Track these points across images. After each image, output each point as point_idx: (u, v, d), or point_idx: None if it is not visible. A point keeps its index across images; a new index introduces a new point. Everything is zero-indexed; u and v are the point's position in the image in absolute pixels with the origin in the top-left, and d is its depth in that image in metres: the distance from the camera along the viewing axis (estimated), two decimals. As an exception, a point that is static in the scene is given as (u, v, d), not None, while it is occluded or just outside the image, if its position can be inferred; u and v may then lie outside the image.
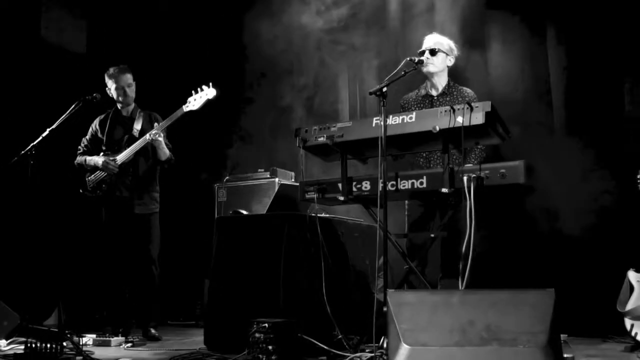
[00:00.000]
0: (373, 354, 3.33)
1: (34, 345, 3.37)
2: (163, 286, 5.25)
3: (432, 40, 4.47)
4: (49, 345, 3.40)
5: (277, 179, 5.42)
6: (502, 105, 3.77)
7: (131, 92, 5.14)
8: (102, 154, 5.07)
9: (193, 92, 4.88)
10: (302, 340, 3.68)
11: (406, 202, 4.46)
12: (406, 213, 4.52)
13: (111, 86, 5.13)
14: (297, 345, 3.65)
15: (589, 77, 4.70)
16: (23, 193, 5.64)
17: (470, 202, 3.39)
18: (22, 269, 5.80)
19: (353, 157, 4.02)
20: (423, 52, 4.42)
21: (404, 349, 2.54)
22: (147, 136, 4.83)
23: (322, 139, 3.83)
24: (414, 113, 3.64)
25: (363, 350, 3.64)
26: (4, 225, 5.87)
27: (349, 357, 3.54)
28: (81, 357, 3.52)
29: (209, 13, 6.81)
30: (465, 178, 3.45)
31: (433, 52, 4.41)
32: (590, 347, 4.07)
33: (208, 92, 4.83)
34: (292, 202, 4.32)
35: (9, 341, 4.38)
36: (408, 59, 4.00)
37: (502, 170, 3.44)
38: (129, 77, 5.12)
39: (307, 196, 3.99)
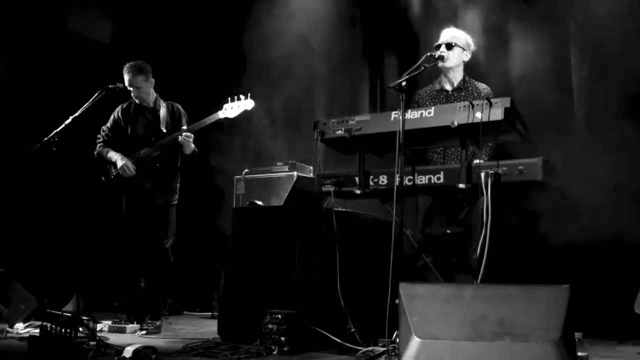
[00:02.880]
0: (385, 349, 3.33)
1: (49, 328, 3.41)
2: (180, 277, 5.28)
3: (449, 34, 4.38)
4: (63, 329, 3.43)
5: (295, 173, 5.43)
6: (521, 103, 3.74)
7: (140, 92, 5.11)
8: (123, 145, 5.11)
9: (229, 98, 4.90)
10: (315, 332, 3.69)
11: (419, 197, 4.42)
12: (418, 208, 4.49)
13: (126, 82, 5.11)
14: (310, 337, 3.67)
15: (612, 76, 4.63)
16: (45, 179, 5.76)
17: (487, 198, 3.37)
18: (43, 255, 5.90)
19: (370, 151, 4.00)
20: (439, 46, 4.32)
21: (415, 341, 2.52)
22: (179, 138, 4.86)
23: (340, 132, 3.83)
24: (433, 108, 3.62)
25: (376, 345, 3.64)
26: (26, 211, 5.95)
27: (361, 351, 3.54)
28: (95, 342, 3.54)
29: (232, 3, 6.84)
30: (482, 174, 3.42)
31: (449, 46, 4.30)
32: (606, 349, 4.02)
33: (247, 103, 4.87)
34: (309, 194, 4.33)
35: (26, 324, 4.46)
36: (428, 54, 4.00)
37: (520, 167, 3.40)
38: (137, 80, 5.06)
39: (323, 189, 3.98)
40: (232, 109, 4.89)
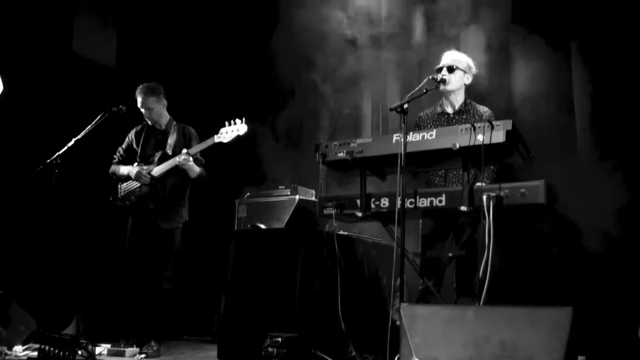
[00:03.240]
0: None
1: (47, 350, 3.38)
2: (180, 301, 5.25)
3: (450, 57, 4.38)
4: (62, 352, 3.41)
5: (297, 196, 5.41)
6: (523, 125, 3.74)
7: (151, 113, 5.18)
8: (135, 164, 5.17)
9: (227, 122, 4.91)
10: (316, 356, 3.65)
11: (420, 220, 4.40)
12: (420, 232, 4.47)
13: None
14: (310, 361, 3.63)
15: (614, 98, 4.64)
16: (48, 201, 5.75)
17: (489, 221, 3.35)
18: (44, 277, 5.86)
19: (372, 173, 4.00)
20: (441, 69, 4.31)
21: (416, 362, 2.51)
22: (177, 159, 4.90)
23: (341, 154, 3.83)
24: (435, 130, 3.63)
25: (377, 369, 3.61)
26: (28, 233, 5.94)
27: (362, 375, 3.51)
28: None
29: (236, 28, 6.90)
30: (484, 197, 3.41)
31: (451, 69, 4.29)
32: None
33: (240, 128, 4.86)
34: (311, 217, 4.31)
35: (25, 347, 4.43)
36: (430, 77, 4.01)
37: (522, 190, 3.40)
38: (148, 101, 5.14)
39: (325, 212, 3.97)
40: (226, 134, 4.88)
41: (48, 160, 4.75)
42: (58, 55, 6.41)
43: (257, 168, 6.48)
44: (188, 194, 5.30)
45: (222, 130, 4.92)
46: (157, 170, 5.05)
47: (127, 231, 5.18)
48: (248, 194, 5.91)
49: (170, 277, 5.04)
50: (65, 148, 4.75)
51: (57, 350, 3.43)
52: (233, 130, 4.87)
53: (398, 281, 3.50)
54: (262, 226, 4.65)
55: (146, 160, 5.19)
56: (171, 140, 5.18)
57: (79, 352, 3.76)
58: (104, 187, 6.22)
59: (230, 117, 5.03)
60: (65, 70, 6.39)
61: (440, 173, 4.39)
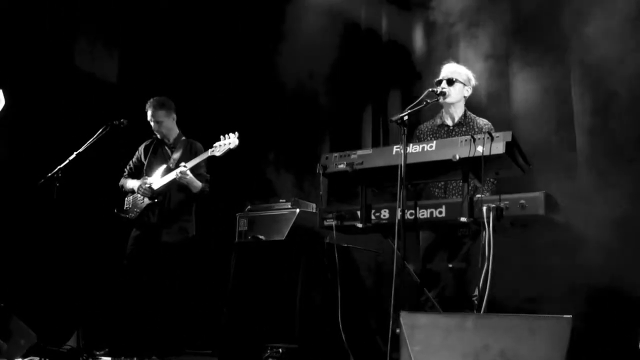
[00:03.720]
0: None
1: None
2: (183, 315, 5.26)
3: (449, 69, 4.39)
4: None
5: (297, 209, 5.42)
6: (523, 136, 3.76)
7: (160, 127, 5.27)
8: (142, 178, 5.24)
9: (221, 136, 4.94)
10: (316, 367, 3.65)
11: (420, 232, 4.41)
12: (420, 243, 4.47)
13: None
14: (311, 372, 3.63)
15: (614, 110, 4.66)
16: (49, 214, 5.77)
17: (489, 233, 3.36)
18: (45, 290, 5.86)
19: (372, 185, 4.00)
20: (440, 82, 4.32)
21: (416, 372, 2.50)
22: (175, 173, 4.93)
23: (342, 166, 3.84)
24: (435, 142, 3.65)
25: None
26: (29, 246, 5.94)
27: (362, 386, 3.50)
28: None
29: (238, 41, 6.94)
30: (484, 208, 3.42)
31: (450, 82, 4.31)
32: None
33: (232, 142, 4.89)
34: (311, 229, 4.32)
35: (26, 360, 4.42)
36: (430, 89, 4.03)
37: (522, 201, 3.41)
38: (158, 114, 5.24)
39: (325, 223, 3.97)
40: (220, 147, 4.91)
41: (49, 174, 4.77)
42: (60, 69, 6.44)
43: (259, 182, 6.49)
44: (194, 209, 5.32)
45: (216, 144, 4.95)
46: (157, 184, 5.10)
47: (128, 241, 5.20)
48: (249, 207, 5.93)
49: (172, 290, 5.05)
50: (67, 161, 4.77)
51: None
52: (225, 144, 4.90)
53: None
54: (263, 238, 4.66)
55: (150, 173, 5.26)
56: (176, 154, 5.23)
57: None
58: (107, 200, 6.26)
59: (232, 130, 5.07)
60: (67, 84, 6.42)
61: (440, 185, 4.40)
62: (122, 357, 4.70)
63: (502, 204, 3.42)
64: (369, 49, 6.22)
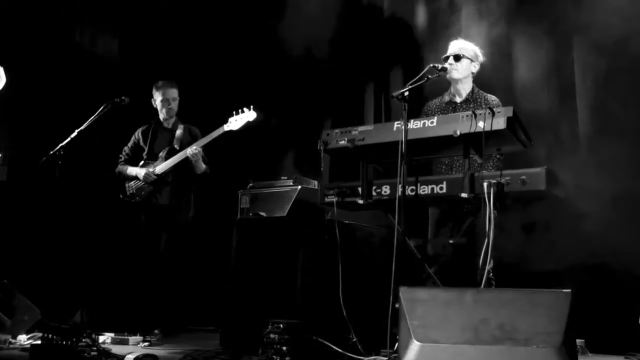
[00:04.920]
0: (388, 358, 3.30)
1: (50, 338, 3.41)
2: (188, 291, 5.32)
3: (456, 45, 4.39)
4: (64, 341, 3.43)
5: (299, 186, 5.42)
6: (526, 112, 3.74)
7: (175, 105, 5.37)
8: (142, 163, 5.32)
9: (234, 112, 5.04)
10: (317, 342, 3.66)
11: (429, 208, 4.41)
12: (429, 219, 4.47)
13: (157, 98, 5.38)
14: (312, 348, 3.64)
15: (615, 85, 4.62)
16: (51, 193, 5.78)
17: (489, 208, 3.36)
18: (49, 267, 5.89)
19: (373, 161, 3.99)
20: (447, 58, 4.34)
21: (415, 345, 2.51)
22: (188, 151, 5.02)
23: (343, 142, 3.85)
24: (436, 117, 3.64)
25: (378, 355, 3.61)
26: (33, 225, 5.95)
27: (363, 361, 3.52)
28: (96, 352, 3.53)
29: (239, 19, 6.89)
30: (485, 184, 3.42)
31: (457, 58, 4.32)
32: (609, 360, 3.97)
33: (249, 115, 5.03)
34: (312, 206, 4.32)
35: (29, 336, 4.44)
36: (431, 65, 3.99)
37: (523, 177, 3.42)
38: (174, 92, 5.36)
39: (326, 199, 4.00)
40: (235, 122, 5.04)
41: (51, 152, 4.77)
42: (60, 46, 6.42)
43: (261, 159, 6.48)
44: (193, 189, 5.40)
45: (231, 119, 5.05)
46: (163, 166, 5.18)
47: (139, 227, 5.33)
48: (251, 184, 5.92)
49: (180, 268, 5.22)
50: (69, 139, 4.76)
51: (59, 338, 3.44)
52: (242, 118, 5.01)
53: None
54: (264, 214, 4.66)
55: (153, 157, 5.32)
56: (178, 136, 5.33)
57: (83, 341, 3.78)
58: (110, 179, 6.26)
59: (229, 109, 5.14)
60: (68, 61, 6.40)
61: (446, 162, 4.39)
62: (125, 333, 4.72)
63: (502, 180, 3.42)
64: (370, 25, 6.16)
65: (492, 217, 3.33)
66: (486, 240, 3.35)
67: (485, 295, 2.61)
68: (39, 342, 3.70)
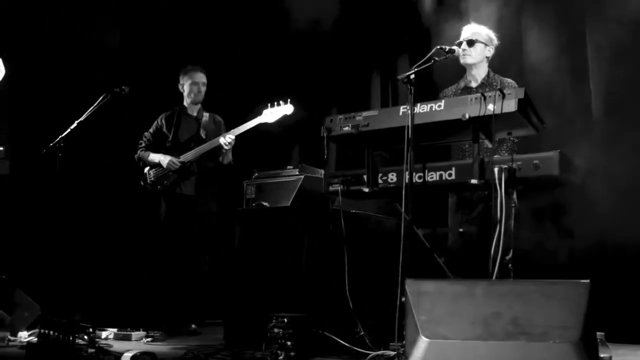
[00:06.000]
0: (395, 352, 3.17)
1: (47, 334, 3.31)
2: (198, 283, 5.22)
3: (470, 30, 4.27)
4: (62, 336, 3.32)
5: (303, 175, 5.30)
6: (537, 94, 3.58)
7: (203, 91, 5.28)
8: (164, 151, 5.20)
9: (269, 104, 4.93)
10: (323, 336, 3.54)
11: (449, 196, 4.27)
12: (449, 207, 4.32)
13: (185, 82, 5.28)
14: (317, 342, 3.52)
15: (629, 66, 4.44)
16: (52, 185, 5.69)
17: (501, 195, 3.21)
18: (52, 262, 5.80)
19: (379, 148, 3.85)
20: (461, 43, 4.22)
21: (423, 341, 2.36)
22: (223, 140, 4.91)
23: (347, 128, 3.70)
24: (443, 101, 3.49)
25: (387, 349, 3.48)
26: (36, 218, 5.87)
27: (370, 355, 3.38)
28: (94, 349, 3.42)
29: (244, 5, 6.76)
30: (496, 169, 3.27)
31: (471, 43, 4.21)
32: (630, 353, 3.81)
33: (286, 109, 4.88)
34: (317, 195, 4.19)
35: (30, 332, 4.35)
36: (439, 47, 3.83)
37: (536, 161, 3.26)
38: (203, 76, 5.28)
39: (331, 188, 3.86)
40: (271, 114, 4.90)
41: (51, 144, 4.66)
42: (60, 36, 6.31)
43: (268, 149, 6.35)
44: (219, 180, 5.32)
45: (266, 111, 4.93)
46: (190, 155, 5.08)
47: (160, 216, 5.22)
48: (256, 174, 5.80)
49: (207, 260, 5.14)
50: (68, 131, 4.65)
51: (56, 334, 3.33)
52: (279, 111, 4.89)
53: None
54: (267, 204, 4.54)
55: (177, 144, 5.21)
56: (204, 125, 5.24)
57: (83, 337, 3.68)
58: (111, 170, 6.17)
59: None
60: (68, 51, 6.29)
61: (466, 147, 4.22)
62: (128, 329, 4.62)
63: (514, 165, 3.27)
64: (377, 10, 5.99)
65: (503, 204, 3.17)
66: (497, 229, 3.20)
67: (497, 287, 2.45)
68: (36, 339, 3.60)
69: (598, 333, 3.14)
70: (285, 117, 4.90)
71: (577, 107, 4.71)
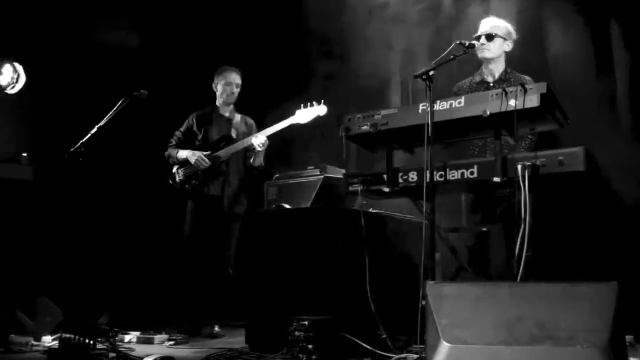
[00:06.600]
0: (418, 356, 3.11)
1: (67, 338, 3.31)
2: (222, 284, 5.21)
3: (488, 24, 4.19)
4: (83, 340, 3.32)
5: (322, 175, 5.25)
6: (561, 89, 3.48)
7: (237, 92, 5.26)
8: (193, 149, 5.17)
9: (302, 105, 4.89)
10: (344, 339, 3.48)
11: (462, 194, 4.18)
12: (463, 206, 4.24)
13: (219, 82, 5.27)
14: (339, 345, 3.46)
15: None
16: (74, 190, 5.73)
17: (524, 193, 3.12)
18: (76, 266, 5.83)
19: (399, 146, 3.78)
20: (479, 37, 4.15)
21: (444, 346, 2.29)
22: (255, 141, 4.87)
23: (365, 127, 3.64)
24: (463, 97, 3.41)
25: (410, 352, 3.41)
26: (59, 223, 5.90)
27: (393, 358, 3.32)
28: (115, 353, 3.41)
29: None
30: (519, 166, 3.19)
31: (489, 37, 4.14)
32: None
33: (319, 109, 4.84)
34: (337, 195, 4.14)
35: (53, 337, 4.36)
36: (458, 42, 3.75)
37: (560, 158, 3.16)
38: (238, 77, 5.26)
39: (351, 188, 3.80)
40: (304, 115, 4.86)
41: (72, 149, 4.67)
42: (79, 43, 6.32)
43: (285, 148, 6.30)
44: (248, 182, 5.31)
45: (299, 111, 4.90)
46: (221, 154, 5.06)
47: (186, 214, 5.19)
48: (277, 175, 5.76)
49: (231, 262, 5.08)
50: (89, 135, 4.66)
51: (78, 339, 3.33)
52: (312, 112, 4.85)
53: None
54: (287, 206, 4.49)
55: (207, 143, 5.19)
56: (235, 125, 5.23)
57: (104, 342, 3.68)
58: (134, 174, 6.17)
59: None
60: (87, 56, 6.30)
61: (479, 144, 4.17)
62: (151, 332, 4.61)
63: (538, 162, 3.18)
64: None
65: (527, 202, 3.09)
66: (522, 227, 3.11)
67: (520, 290, 2.37)
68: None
69: (627, 336, 3.05)
70: (318, 118, 4.87)
71: (600, 100, 4.58)
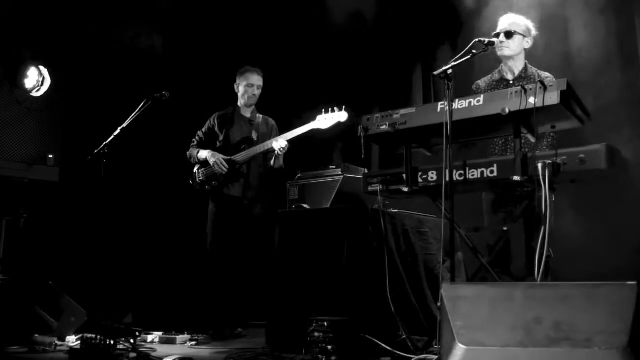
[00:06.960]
0: (437, 357, 3.08)
1: (89, 338, 3.34)
2: (243, 285, 5.22)
3: (507, 21, 4.13)
4: (104, 341, 3.35)
5: (342, 176, 5.23)
6: (582, 86, 3.42)
7: (258, 93, 5.25)
8: (213, 150, 5.18)
9: (323, 110, 4.86)
10: (364, 340, 3.47)
11: (483, 193, 4.14)
12: (483, 205, 4.20)
13: (241, 83, 5.26)
14: (359, 345, 3.45)
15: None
16: (98, 191, 5.76)
17: (545, 191, 3.08)
18: (101, 267, 5.89)
19: (418, 146, 3.75)
20: (498, 35, 4.09)
21: (459, 349, 2.26)
22: (276, 144, 4.87)
23: (384, 127, 3.62)
24: (482, 96, 3.37)
25: (431, 353, 3.39)
26: (85, 224, 5.96)
27: (413, 359, 3.29)
28: (136, 354, 3.44)
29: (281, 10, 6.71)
30: (539, 165, 3.14)
31: (509, 35, 4.07)
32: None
33: (340, 115, 4.80)
34: (357, 196, 4.12)
35: (77, 337, 4.41)
36: (477, 39, 3.70)
37: (582, 156, 3.12)
38: (260, 79, 5.24)
39: (370, 188, 3.79)
40: (325, 120, 4.82)
41: (96, 151, 4.72)
42: (105, 46, 6.38)
43: (308, 148, 6.30)
44: (268, 184, 5.29)
45: (320, 117, 4.86)
46: (241, 156, 5.07)
47: (208, 216, 5.20)
48: (299, 175, 5.76)
49: (251, 264, 5.08)
50: (112, 137, 4.70)
51: (100, 339, 3.37)
52: (333, 118, 4.80)
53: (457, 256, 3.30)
54: (306, 206, 4.49)
55: (228, 144, 5.20)
56: (257, 127, 5.22)
57: (126, 342, 3.71)
58: (156, 176, 6.22)
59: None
60: (112, 59, 6.37)
61: (500, 142, 4.12)
62: (174, 332, 4.64)
63: (559, 160, 3.13)
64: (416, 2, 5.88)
65: (548, 201, 3.04)
66: (543, 227, 3.07)
67: (537, 291, 2.33)
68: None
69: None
70: (339, 125, 4.82)
71: (625, 95, 4.49)
